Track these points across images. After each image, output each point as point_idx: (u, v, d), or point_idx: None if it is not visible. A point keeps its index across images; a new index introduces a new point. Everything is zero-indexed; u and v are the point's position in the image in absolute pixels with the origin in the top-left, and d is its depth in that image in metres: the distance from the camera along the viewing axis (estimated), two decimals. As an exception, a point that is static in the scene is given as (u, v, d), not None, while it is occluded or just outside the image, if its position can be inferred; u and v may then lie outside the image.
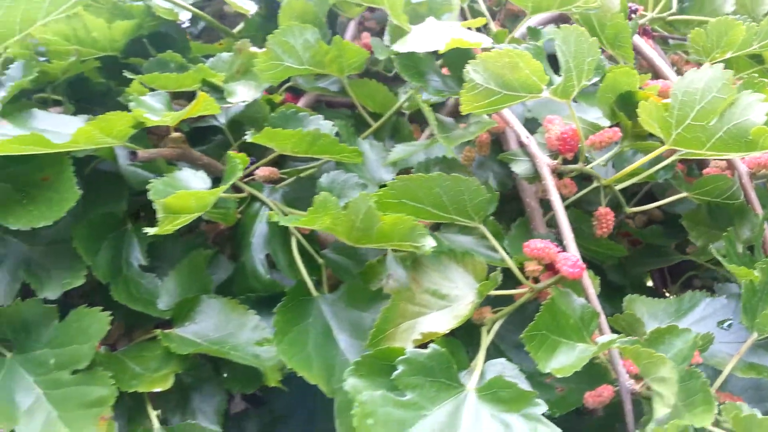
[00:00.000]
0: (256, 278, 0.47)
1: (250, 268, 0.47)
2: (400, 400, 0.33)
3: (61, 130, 0.42)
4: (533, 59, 0.35)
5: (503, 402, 0.33)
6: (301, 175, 0.52)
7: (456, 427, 0.32)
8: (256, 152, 0.55)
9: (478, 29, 0.47)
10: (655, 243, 0.58)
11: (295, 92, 0.61)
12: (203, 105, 0.44)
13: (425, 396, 0.33)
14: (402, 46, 0.40)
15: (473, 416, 0.33)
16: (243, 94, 0.49)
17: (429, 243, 0.36)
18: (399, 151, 0.49)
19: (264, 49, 0.48)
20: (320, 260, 0.47)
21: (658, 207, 0.55)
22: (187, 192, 0.36)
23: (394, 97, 0.55)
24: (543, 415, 0.33)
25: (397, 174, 0.52)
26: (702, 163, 0.56)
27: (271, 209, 0.49)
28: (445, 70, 0.45)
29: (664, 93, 0.45)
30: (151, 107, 0.46)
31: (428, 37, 0.40)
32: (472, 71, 0.35)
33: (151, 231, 0.36)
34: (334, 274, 0.48)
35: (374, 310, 0.43)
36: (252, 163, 0.53)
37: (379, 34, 0.60)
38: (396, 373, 0.33)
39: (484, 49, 0.39)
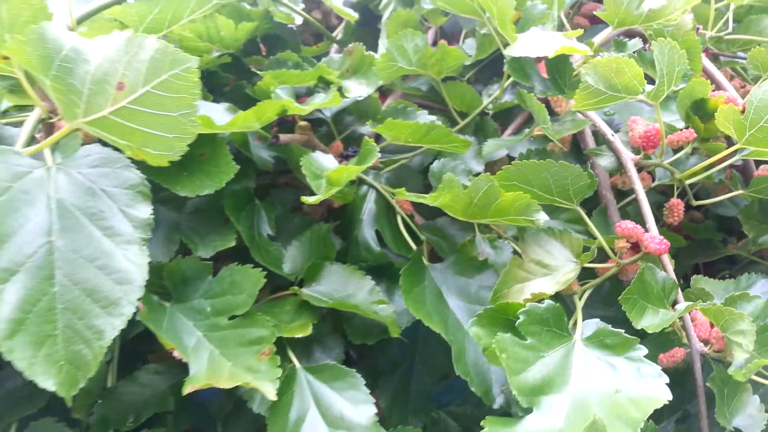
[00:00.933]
0: (368, 250, 0.55)
1: (362, 242, 0.55)
2: (523, 343, 0.40)
3: (212, 115, 0.50)
4: (636, 66, 0.43)
5: (608, 347, 0.40)
6: (400, 163, 0.60)
7: (568, 367, 0.40)
8: (352, 143, 0.63)
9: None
10: (707, 238, 0.66)
11: (382, 93, 0.69)
12: (334, 98, 0.52)
13: (542, 341, 0.41)
14: (514, 51, 0.48)
15: (582, 359, 0.40)
16: (357, 90, 0.57)
17: (543, 217, 0.44)
18: (491, 144, 0.57)
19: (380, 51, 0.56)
20: (422, 236, 0.55)
21: (698, 207, 0.64)
22: (342, 167, 0.44)
23: (479, 98, 0.63)
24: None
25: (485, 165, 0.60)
26: (747, 168, 0.64)
27: (378, 191, 0.56)
28: (544, 74, 0.53)
29: (730, 101, 0.53)
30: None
31: (537, 44, 0.48)
32: (586, 74, 0.43)
33: (311, 200, 0.44)
34: (434, 248, 0.56)
35: (478, 278, 0.51)
36: (354, 152, 0.61)
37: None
38: (519, 321, 0.41)
39: (588, 56, 0.47)
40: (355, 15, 0.65)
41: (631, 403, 0.36)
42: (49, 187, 0.37)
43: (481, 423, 0.37)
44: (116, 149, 0.40)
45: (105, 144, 0.40)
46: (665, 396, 0.36)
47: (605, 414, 0.36)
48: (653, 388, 0.36)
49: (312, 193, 0.47)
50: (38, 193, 0.37)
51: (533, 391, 0.38)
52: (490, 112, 0.64)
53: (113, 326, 0.36)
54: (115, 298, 0.36)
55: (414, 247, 0.52)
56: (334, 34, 0.71)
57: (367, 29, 0.67)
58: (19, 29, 0.39)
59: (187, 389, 0.40)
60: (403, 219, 0.55)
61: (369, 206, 0.56)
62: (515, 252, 0.49)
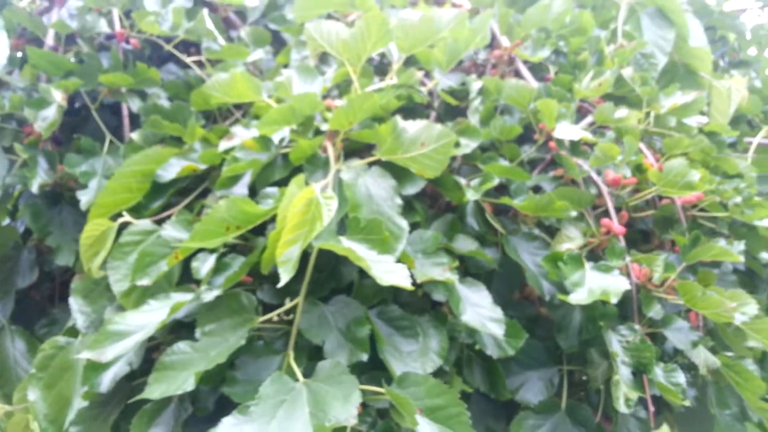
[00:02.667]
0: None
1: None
2: (563, 266, 0.96)
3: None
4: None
5: (601, 269, 0.97)
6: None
7: (585, 273, 0.97)
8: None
9: None
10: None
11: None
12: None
13: (572, 267, 0.97)
14: (557, 134, 1.05)
15: (591, 271, 0.97)
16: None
17: (572, 214, 1.01)
18: (537, 177, 1.14)
19: None
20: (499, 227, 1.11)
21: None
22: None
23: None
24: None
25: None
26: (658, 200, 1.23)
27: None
28: None
29: (653, 166, 1.12)
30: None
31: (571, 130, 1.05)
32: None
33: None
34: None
35: (536, 243, 1.07)
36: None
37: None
38: (563, 259, 0.97)
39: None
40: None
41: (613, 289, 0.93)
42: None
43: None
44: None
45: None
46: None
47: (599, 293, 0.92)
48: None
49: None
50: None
51: (571, 285, 0.94)
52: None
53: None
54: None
55: (502, 230, 1.07)
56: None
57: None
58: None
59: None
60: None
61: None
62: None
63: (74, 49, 1.34)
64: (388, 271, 0.75)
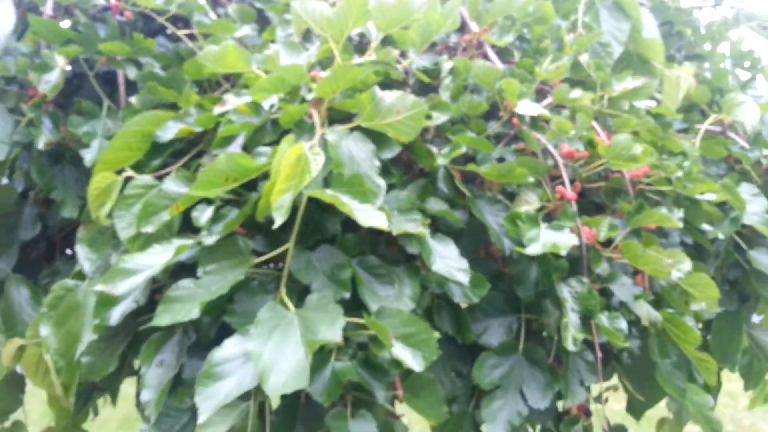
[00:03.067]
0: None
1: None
2: (521, 225, 1.11)
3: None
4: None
5: (554, 228, 1.12)
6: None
7: (541, 229, 1.11)
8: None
9: None
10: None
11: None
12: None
13: (529, 226, 1.12)
14: (519, 110, 1.19)
15: (545, 230, 1.11)
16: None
17: (530, 180, 1.15)
18: (500, 150, 1.28)
19: None
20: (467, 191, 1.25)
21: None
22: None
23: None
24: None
25: None
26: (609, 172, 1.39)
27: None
28: None
29: (602, 141, 1.27)
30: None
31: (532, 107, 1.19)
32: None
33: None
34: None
35: (499, 206, 1.21)
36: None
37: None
38: (521, 219, 1.11)
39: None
40: None
41: (562, 243, 1.07)
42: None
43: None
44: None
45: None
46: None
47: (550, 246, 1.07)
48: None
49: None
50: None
51: (527, 241, 1.08)
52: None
53: None
54: None
55: (469, 194, 1.21)
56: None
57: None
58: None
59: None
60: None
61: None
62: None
63: (71, 19, 1.44)
64: (368, 216, 0.89)
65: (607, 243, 1.19)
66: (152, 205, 1.07)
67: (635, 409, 1.67)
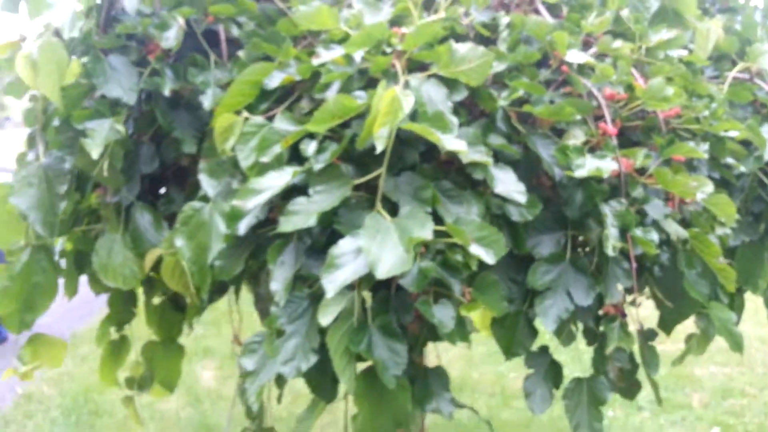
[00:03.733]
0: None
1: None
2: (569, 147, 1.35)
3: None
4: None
5: (597, 156, 1.36)
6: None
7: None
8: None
9: None
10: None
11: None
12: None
13: (578, 153, 1.35)
14: (568, 58, 1.41)
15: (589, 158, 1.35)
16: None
17: (577, 117, 1.38)
18: (551, 93, 1.51)
19: None
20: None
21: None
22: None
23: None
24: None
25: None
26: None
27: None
28: None
29: (639, 84, 1.49)
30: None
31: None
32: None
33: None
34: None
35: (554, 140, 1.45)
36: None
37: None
38: (568, 149, 1.35)
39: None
40: None
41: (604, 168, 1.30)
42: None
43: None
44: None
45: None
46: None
47: (594, 170, 1.31)
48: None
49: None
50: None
51: (575, 167, 1.32)
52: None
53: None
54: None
55: (523, 131, 1.44)
56: None
57: None
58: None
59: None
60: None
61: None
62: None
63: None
64: (451, 142, 1.14)
65: (642, 172, 1.43)
66: (267, 139, 1.33)
67: (666, 325, 1.91)
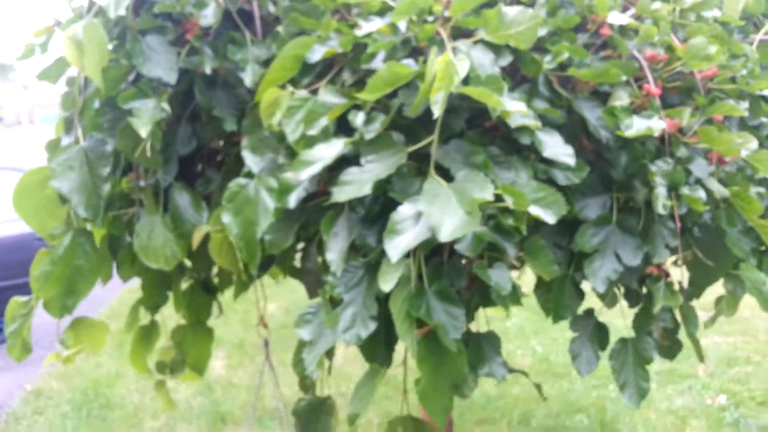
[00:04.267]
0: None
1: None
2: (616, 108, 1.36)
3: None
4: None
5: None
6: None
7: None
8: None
9: None
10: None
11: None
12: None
13: (626, 113, 1.37)
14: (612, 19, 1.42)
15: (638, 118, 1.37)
16: None
17: (622, 79, 1.39)
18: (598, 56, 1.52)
19: None
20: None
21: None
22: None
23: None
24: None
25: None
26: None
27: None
28: None
29: (678, 46, 1.50)
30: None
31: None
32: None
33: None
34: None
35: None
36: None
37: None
38: (616, 110, 1.36)
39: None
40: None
41: (655, 127, 1.32)
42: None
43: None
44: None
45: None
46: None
47: (645, 129, 1.32)
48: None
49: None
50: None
51: (625, 127, 1.33)
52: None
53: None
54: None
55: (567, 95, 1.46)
56: None
57: None
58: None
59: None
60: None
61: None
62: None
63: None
64: (510, 103, 1.15)
65: (683, 133, 1.44)
66: (314, 112, 1.34)
67: (696, 287, 1.94)
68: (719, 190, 1.44)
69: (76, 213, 1.53)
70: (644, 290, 1.54)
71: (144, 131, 1.36)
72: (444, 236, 1.09)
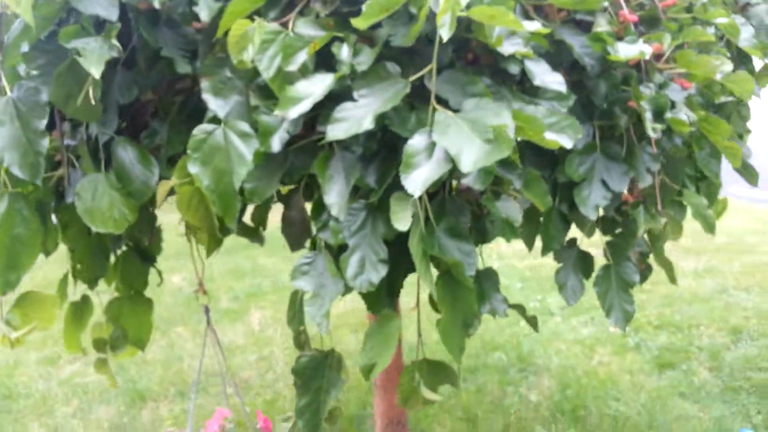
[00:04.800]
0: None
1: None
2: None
3: None
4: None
5: None
6: None
7: None
8: None
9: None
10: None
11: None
12: None
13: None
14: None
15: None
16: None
17: (603, 3, 1.37)
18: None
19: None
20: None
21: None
22: None
23: None
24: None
25: None
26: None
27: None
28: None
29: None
30: None
31: None
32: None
33: None
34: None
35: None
36: None
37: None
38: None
39: None
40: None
41: (644, 50, 1.31)
42: None
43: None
44: None
45: None
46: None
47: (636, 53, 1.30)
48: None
49: None
50: None
51: (613, 50, 1.31)
52: None
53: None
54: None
55: (546, 22, 1.41)
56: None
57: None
58: None
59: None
60: (530, 13, 1.44)
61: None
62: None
63: None
64: (526, 23, 1.09)
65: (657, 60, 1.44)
66: (291, 46, 1.22)
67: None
68: (689, 115, 1.46)
69: (9, 174, 1.32)
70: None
71: (96, 71, 1.18)
72: (466, 167, 1.02)
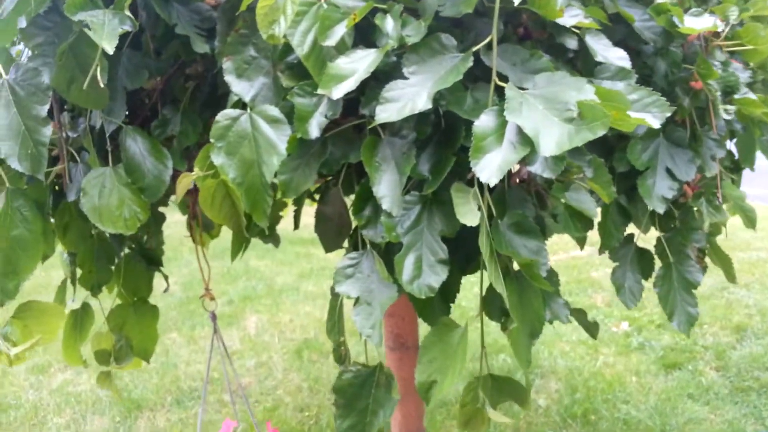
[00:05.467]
0: None
1: None
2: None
3: None
4: None
5: None
6: None
7: None
8: None
9: None
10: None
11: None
12: None
13: None
14: None
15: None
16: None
17: None
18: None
19: None
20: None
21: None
22: None
23: None
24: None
25: None
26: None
27: None
28: None
29: None
30: None
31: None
32: None
33: None
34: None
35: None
36: None
37: None
38: None
39: None
40: None
41: (714, 23, 1.17)
42: None
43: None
44: None
45: None
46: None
47: (709, 26, 1.16)
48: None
49: None
50: None
51: (680, 23, 1.17)
52: None
53: None
54: None
55: None
56: None
57: None
58: None
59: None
60: None
61: None
62: None
63: None
64: None
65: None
66: (328, 18, 1.06)
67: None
68: (750, 95, 1.33)
69: (8, 167, 1.15)
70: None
71: (109, 46, 1.01)
72: (547, 149, 0.87)
